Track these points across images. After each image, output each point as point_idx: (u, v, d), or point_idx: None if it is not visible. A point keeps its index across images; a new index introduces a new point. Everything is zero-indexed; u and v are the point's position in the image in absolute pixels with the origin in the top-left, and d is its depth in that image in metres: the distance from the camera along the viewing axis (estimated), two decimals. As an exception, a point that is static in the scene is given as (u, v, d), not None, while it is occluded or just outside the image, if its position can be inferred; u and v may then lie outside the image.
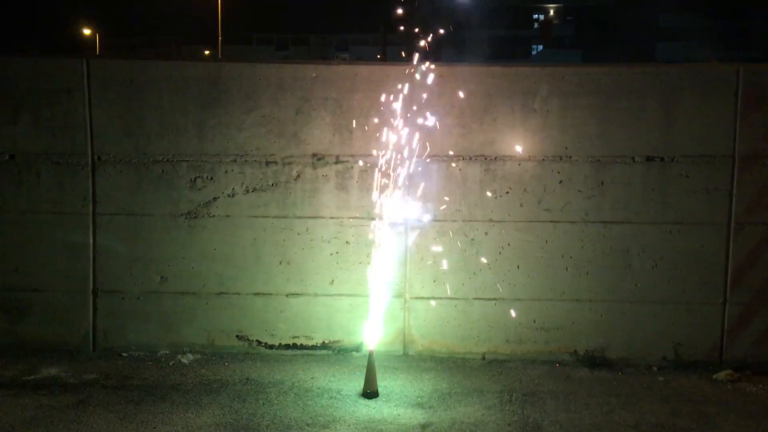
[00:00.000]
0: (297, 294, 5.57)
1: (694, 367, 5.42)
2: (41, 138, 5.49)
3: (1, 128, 5.48)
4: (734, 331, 5.47)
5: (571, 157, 5.44)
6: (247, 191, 5.51)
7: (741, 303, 5.46)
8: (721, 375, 5.28)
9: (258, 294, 5.58)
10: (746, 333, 5.47)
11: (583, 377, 5.29)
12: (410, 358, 5.55)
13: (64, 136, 5.49)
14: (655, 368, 5.45)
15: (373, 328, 5.20)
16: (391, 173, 5.45)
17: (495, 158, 5.46)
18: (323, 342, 5.60)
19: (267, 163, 5.50)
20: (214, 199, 5.51)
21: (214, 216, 5.52)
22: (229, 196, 5.51)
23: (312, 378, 5.17)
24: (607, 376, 5.33)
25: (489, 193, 5.47)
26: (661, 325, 5.49)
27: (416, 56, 5.33)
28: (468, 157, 5.46)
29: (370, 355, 4.95)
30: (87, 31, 48.05)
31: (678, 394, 5.02)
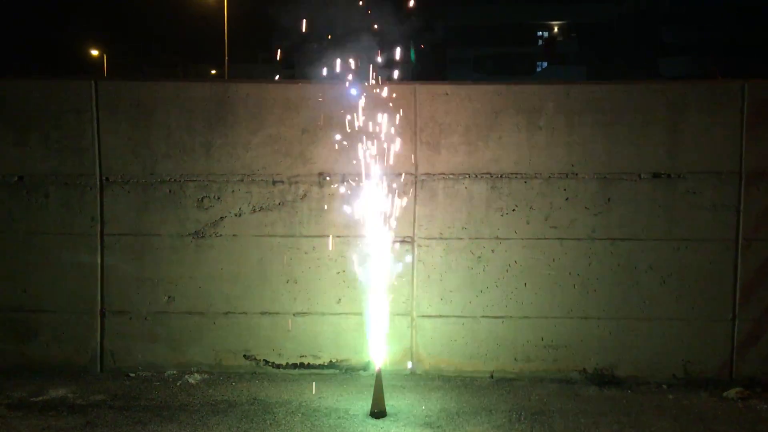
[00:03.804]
0: (304, 313, 5.56)
1: (704, 385, 5.38)
2: (49, 159, 5.52)
3: (10, 150, 5.52)
4: (744, 348, 5.44)
5: (577, 174, 5.44)
6: (254, 210, 5.52)
7: (750, 319, 5.43)
8: (732, 393, 5.23)
9: (265, 313, 5.57)
10: (756, 350, 5.43)
11: (592, 395, 5.26)
12: (418, 377, 5.52)
13: (73, 157, 5.52)
14: (664, 386, 5.41)
15: (380, 347, 5.18)
16: (398, 191, 5.46)
17: (501, 176, 5.46)
18: (330, 361, 5.58)
19: (274, 182, 5.51)
20: (221, 218, 5.53)
21: (221, 235, 5.53)
22: (236, 215, 5.53)
23: (319, 397, 5.15)
24: (616, 394, 5.29)
25: (495, 211, 5.47)
26: (670, 343, 5.46)
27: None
28: (474, 175, 5.47)
29: (378, 374, 4.93)
30: (95, 52, 48.41)
31: (688, 412, 4.98)
